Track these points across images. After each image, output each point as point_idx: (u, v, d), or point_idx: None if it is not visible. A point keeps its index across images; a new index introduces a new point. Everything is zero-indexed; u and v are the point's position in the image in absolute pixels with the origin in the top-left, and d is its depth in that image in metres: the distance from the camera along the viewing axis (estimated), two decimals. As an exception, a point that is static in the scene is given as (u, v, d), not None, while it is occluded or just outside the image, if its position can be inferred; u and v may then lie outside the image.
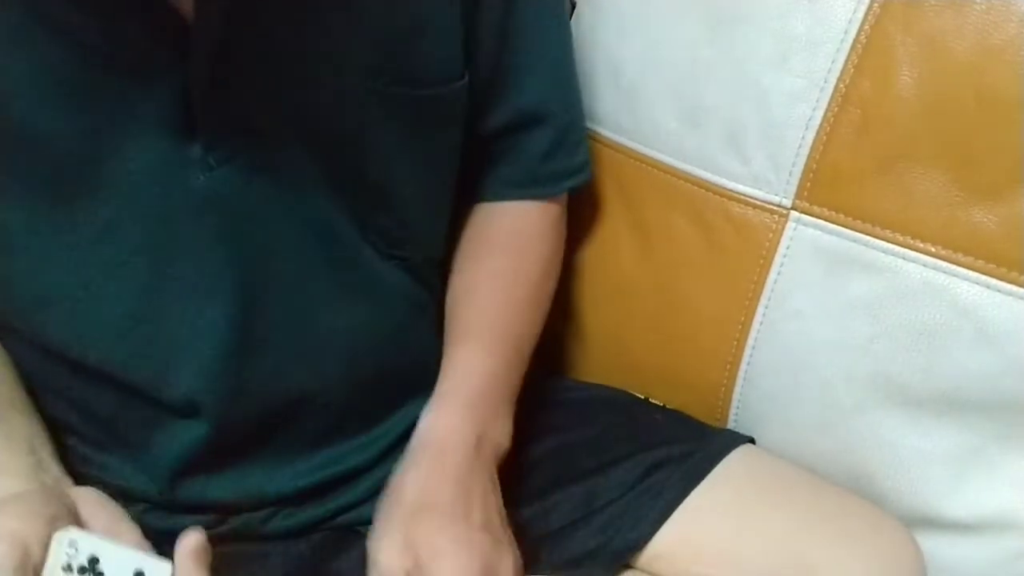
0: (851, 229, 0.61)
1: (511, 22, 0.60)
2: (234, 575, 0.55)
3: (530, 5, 0.61)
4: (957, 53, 0.56)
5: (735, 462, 0.63)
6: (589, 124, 0.71)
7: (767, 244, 0.64)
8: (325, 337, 0.57)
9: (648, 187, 0.69)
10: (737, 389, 0.68)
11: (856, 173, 0.60)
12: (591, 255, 0.75)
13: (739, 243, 0.65)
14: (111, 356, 0.52)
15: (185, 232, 0.50)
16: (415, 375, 0.60)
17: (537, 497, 0.63)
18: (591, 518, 0.61)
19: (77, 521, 0.45)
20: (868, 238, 0.60)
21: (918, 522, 0.63)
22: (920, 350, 0.60)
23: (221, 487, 0.57)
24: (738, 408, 0.69)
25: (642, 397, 0.73)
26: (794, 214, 0.63)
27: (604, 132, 0.72)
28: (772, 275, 0.64)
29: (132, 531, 0.47)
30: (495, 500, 0.54)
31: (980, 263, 0.57)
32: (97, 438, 0.55)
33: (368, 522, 0.53)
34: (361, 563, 0.51)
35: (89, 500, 0.47)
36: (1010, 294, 0.56)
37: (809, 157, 0.61)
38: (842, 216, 0.61)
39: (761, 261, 0.65)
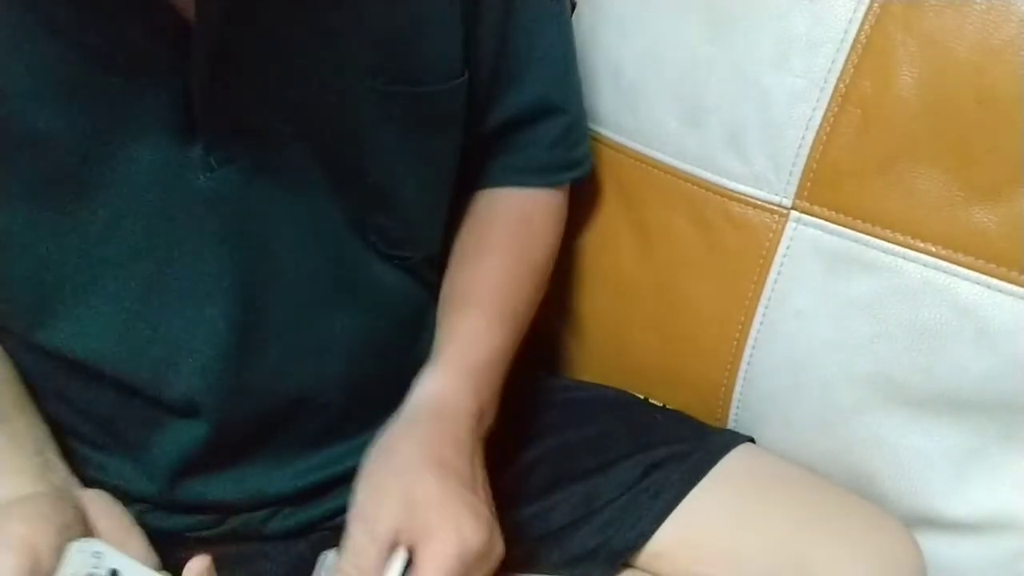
0: (851, 229, 0.61)
1: (511, 21, 0.60)
2: (234, 575, 0.55)
3: (530, 4, 0.61)
4: (957, 53, 0.56)
5: (735, 461, 0.64)
6: (590, 124, 0.71)
7: (767, 244, 0.64)
8: (325, 337, 0.57)
9: (648, 187, 0.69)
10: (737, 389, 0.68)
11: (856, 173, 0.60)
12: (591, 255, 0.75)
13: (739, 243, 0.65)
14: (111, 356, 0.52)
15: (185, 232, 0.50)
16: (415, 375, 0.60)
17: (537, 497, 0.63)
18: (591, 518, 0.61)
19: (86, 526, 0.45)
20: (868, 238, 0.60)
21: (918, 522, 0.63)
22: (920, 350, 0.60)
23: (221, 487, 0.57)
24: (738, 408, 0.69)
25: (642, 397, 0.73)
26: (794, 214, 0.63)
27: (605, 132, 0.72)
28: (772, 275, 0.64)
29: (139, 537, 0.47)
30: (486, 479, 0.52)
31: (980, 263, 0.57)
32: (96, 438, 0.55)
33: None
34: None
35: (97, 504, 0.47)
36: (1010, 294, 0.56)
37: (809, 157, 0.61)
38: (842, 216, 0.61)
39: (761, 261, 0.65)
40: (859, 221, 0.61)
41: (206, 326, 0.52)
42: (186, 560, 0.45)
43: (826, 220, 0.62)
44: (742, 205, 0.65)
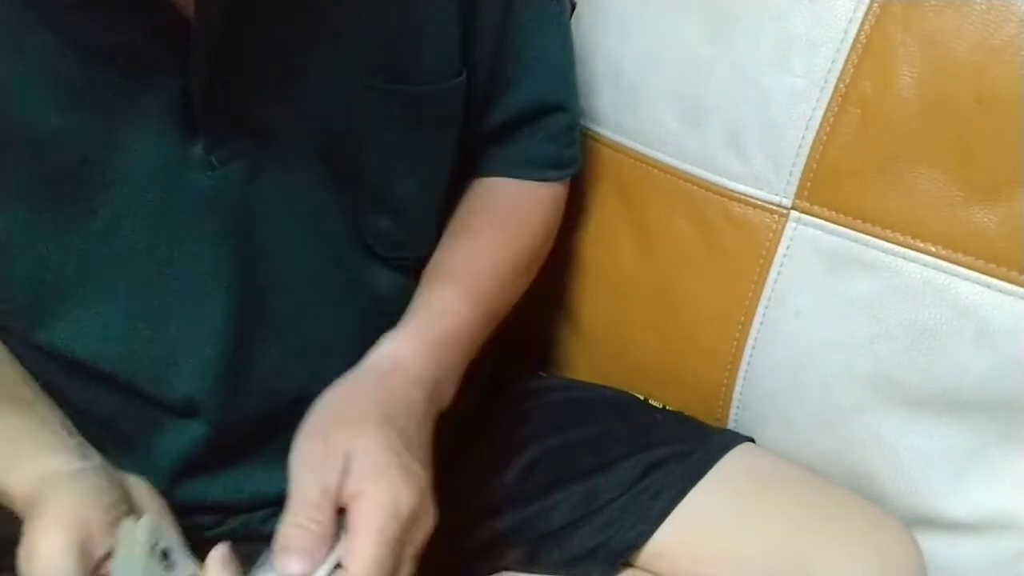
0: (851, 229, 0.61)
1: (510, 21, 0.60)
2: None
3: (529, 5, 0.61)
4: (957, 53, 0.56)
5: (734, 461, 0.63)
6: (589, 124, 0.71)
7: (767, 244, 0.64)
8: (324, 337, 0.57)
9: (648, 187, 0.69)
10: (737, 389, 0.68)
11: (856, 173, 0.60)
12: (591, 255, 0.75)
13: (739, 243, 0.65)
14: (111, 356, 0.52)
15: (186, 232, 0.50)
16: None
17: (537, 497, 0.63)
18: (591, 517, 0.61)
19: (130, 505, 0.46)
20: (868, 238, 0.60)
21: (918, 522, 0.63)
22: (920, 350, 0.60)
23: (221, 488, 0.57)
24: (738, 408, 0.69)
25: (642, 397, 0.73)
26: (794, 214, 0.63)
27: (604, 132, 0.72)
28: (772, 275, 0.64)
29: (175, 527, 0.48)
30: (430, 451, 0.50)
31: (980, 263, 0.57)
32: (96, 439, 0.55)
33: None
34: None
35: (141, 487, 0.48)
36: (1010, 294, 0.56)
37: (809, 157, 0.61)
38: (842, 216, 0.61)
39: (761, 261, 0.65)
40: (859, 221, 0.61)
41: (206, 325, 0.52)
42: None
43: (826, 220, 0.62)
44: (742, 205, 0.65)
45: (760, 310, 0.65)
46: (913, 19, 0.57)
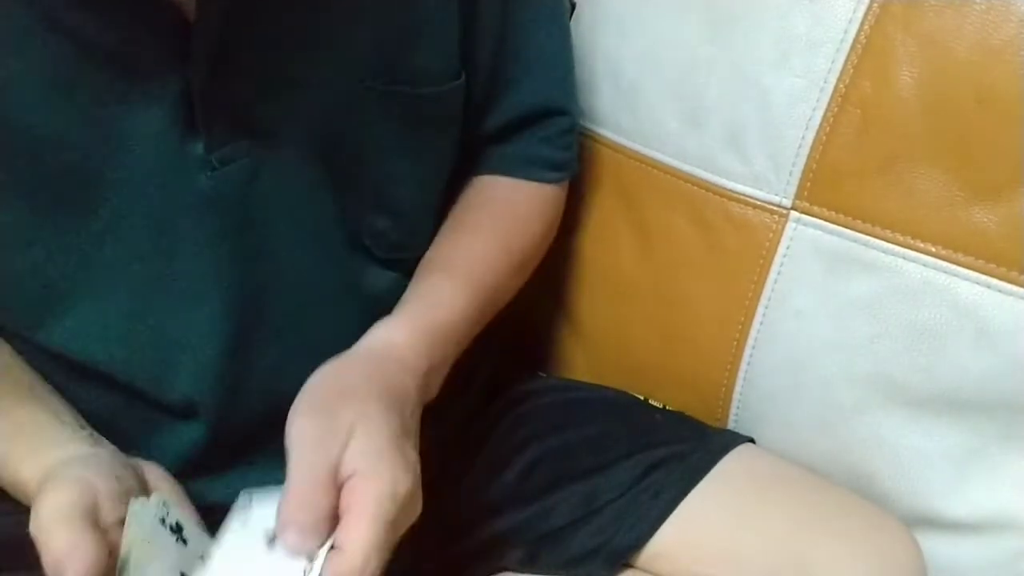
0: (851, 229, 0.61)
1: (509, 22, 0.60)
2: None
3: (528, 5, 0.61)
4: (957, 53, 0.56)
5: (734, 461, 0.63)
6: (589, 124, 0.71)
7: (767, 244, 0.64)
8: (323, 337, 0.57)
9: (648, 187, 0.69)
10: (737, 389, 0.68)
11: (856, 173, 0.60)
12: (591, 255, 0.75)
13: (739, 243, 0.65)
14: (111, 357, 0.52)
15: (187, 232, 0.50)
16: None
17: (537, 497, 0.63)
18: (591, 518, 0.61)
19: (144, 487, 0.46)
20: (868, 238, 0.60)
21: (918, 522, 0.63)
22: (920, 350, 0.60)
23: (220, 489, 0.57)
24: (738, 408, 0.69)
25: (642, 397, 0.73)
26: (794, 214, 0.63)
27: (604, 132, 0.72)
28: (772, 275, 0.64)
29: (189, 507, 0.48)
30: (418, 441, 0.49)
31: (980, 263, 0.57)
32: (96, 439, 0.56)
33: None
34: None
35: (156, 470, 0.48)
36: (1010, 294, 0.56)
37: (809, 157, 0.61)
38: (842, 216, 0.61)
39: (761, 261, 0.65)
40: (859, 221, 0.61)
41: (205, 326, 0.52)
42: None
43: (826, 220, 0.62)
44: (742, 205, 0.65)
45: (760, 310, 0.65)
46: (913, 19, 0.57)
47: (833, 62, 0.59)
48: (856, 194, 0.60)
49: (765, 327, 0.65)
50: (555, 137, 0.65)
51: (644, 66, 0.68)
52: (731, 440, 0.65)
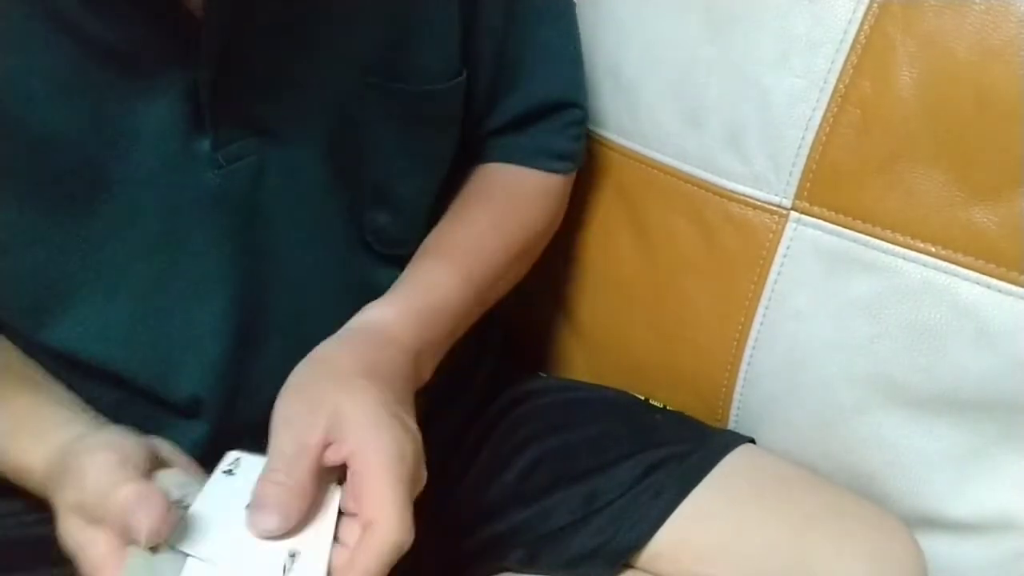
0: (851, 229, 0.61)
1: (511, 20, 0.60)
2: None
3: (530, 3, 0.61)
4: (957, 53, 0.56)
5: (735, 462, 0.63)
6: (589, 124, 0.71)
7: (767, 244, 0.64)
8: (325, 335, 0.57)
9: (648, 188, 0.69)
10: (737, 389, 0.68)
11: (856, 173, 0.60)
12: (591, 255, 0.75)
13: (739, 243, 0.65)
14: (115, 355, 0.52)
15: (192, 230, 0.50)
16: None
17: (537, 497, 0.63)
18: (591, 518, 0.61)
19: (159, 460, 0.46)
20: (868, 238, 0.60)
21: (919, 522, 0.63)
22: (920, 350, 0.60)
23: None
24: (738, 408, 0.69)
25: (642, 398, 0.73)
26: (794, 214, 0.63)
27: (604, 133, 0.72)
28: (772, 275, 0.64)
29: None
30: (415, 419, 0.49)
31: (980, 263, 0.57)
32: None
33: None
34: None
35: (168, 447, 0.48)
36: (1010, 294, 0.56)
37: (809, 157, 0.61)
38: (842, 216, 0.61)
39: (761, 261, 0.65)
40: (859, 221, 0.61)
41: (209, 324, 0.52)
42: None
43: (826, 220, 0.62)
44: (742, 206, 0.65)
45: (760, 310, 0.65)
46: (913, 19, 0.57)
47: (833, 62, 0.59)
48: (856, 194, 0.60)
49: (765, 327, 0.65)
50: (563, 128, 0.65)
51: (644, 66, 0.68)
52: (731, 440, 0.65)
